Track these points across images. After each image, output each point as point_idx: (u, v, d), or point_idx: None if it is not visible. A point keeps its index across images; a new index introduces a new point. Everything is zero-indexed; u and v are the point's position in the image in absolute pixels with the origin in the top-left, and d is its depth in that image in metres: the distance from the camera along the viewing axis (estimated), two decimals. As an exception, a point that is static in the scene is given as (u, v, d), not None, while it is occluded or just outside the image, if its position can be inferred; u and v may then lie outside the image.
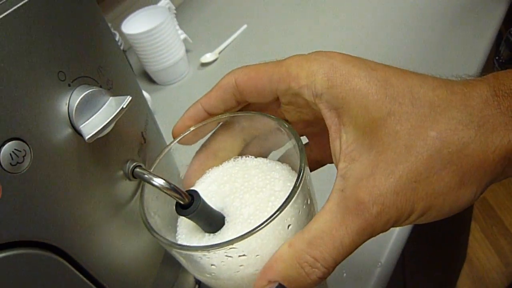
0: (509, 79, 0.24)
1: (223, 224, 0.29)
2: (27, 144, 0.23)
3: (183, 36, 0.91)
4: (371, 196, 0.23)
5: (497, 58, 0.32)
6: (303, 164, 0.27)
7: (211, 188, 0.32)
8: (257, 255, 0.26)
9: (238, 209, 0.29)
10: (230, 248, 0.25)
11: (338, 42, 0.85)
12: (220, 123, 0.33)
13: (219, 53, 0.93)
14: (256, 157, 0.34)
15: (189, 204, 0.29)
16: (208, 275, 0.28)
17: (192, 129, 0.32)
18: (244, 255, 0.26)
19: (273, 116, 0.30)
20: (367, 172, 0.24)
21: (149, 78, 0.92)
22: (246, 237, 0.24)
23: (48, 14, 0.24)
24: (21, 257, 0.23)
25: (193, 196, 0.29)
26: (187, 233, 0.31)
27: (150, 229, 0.28)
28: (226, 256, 0.26)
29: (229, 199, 0.30)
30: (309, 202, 0.28)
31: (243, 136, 0.33)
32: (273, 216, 0.25)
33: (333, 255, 0.24)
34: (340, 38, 0.86)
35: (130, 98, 0.26)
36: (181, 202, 0.29)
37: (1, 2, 0.22)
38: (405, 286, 0.78)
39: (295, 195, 0.25)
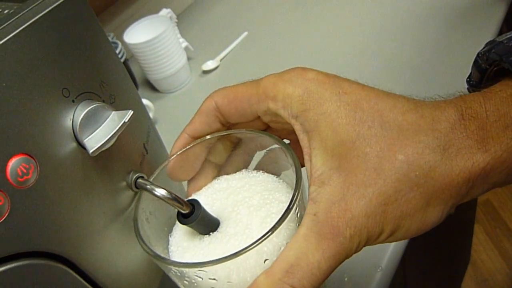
0: (475, 103, 0.25)
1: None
2: (34, 159, 0.24)
3: (184, 44, 0.92)
4: (344, 219, 0.24)
5: (468, 79, 0.32)
6: (294, 199, 0.26)
7: (215, 196, 0.33)
8: (229, 282, 0.26)
9: (232, 224, 0.30)
10: (199, 270, 0.25)
11: (339, 48, 0.86)
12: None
13: (221, 60, 0.94)
14: (264, 171, 0.34)
15: (190, 213, 0.30)
16: (182, 287, 0.28)
17: (179, 152, 0.32)
18: (214, 279, 0.26)
19: (271, 135, 0.31)
20: (338, 195, 0.24)
21: (151, 87, 0.93)
22: (216, 264, 0.24)
23: (51, 35, 0.25)
24: (29, 267, 0.24)
25: (194, 205, 0.30)
26: (181, 235, 0.31)
27: (137, 235, 0.28)
28: (196, 276, 0.26)
29: (227, 212, 0.31)
30: None
31: (231, 139, 0.34)
32: (248, 248, 0.24)
33: (311, 281, 0.24)
34: (340, 44, 0.87)
35: (132, 112, 0.27)
36: (182, 211, 0.30)
37: (4, 25, 0.23)
38: (407, 289, 0.78)
39: (274, 232, 0.25)
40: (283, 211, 0.26)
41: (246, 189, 0.32)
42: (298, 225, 0.27)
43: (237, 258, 0.24)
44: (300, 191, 0.27)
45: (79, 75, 0.27)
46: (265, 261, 0.26)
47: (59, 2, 0.25)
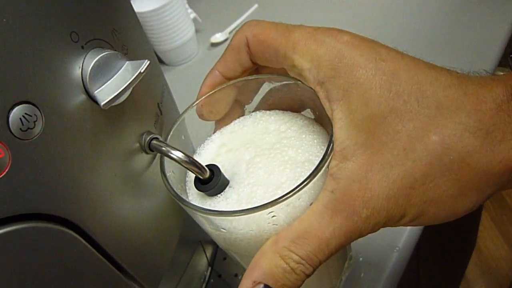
0: None
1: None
2: (38, 109, 0.21)
3: (192, 15, 0.89)
4: (362, 199, 0.22)
5: (511, 56, 0.29)
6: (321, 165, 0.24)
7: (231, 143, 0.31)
8: (251, 230, 0.25)
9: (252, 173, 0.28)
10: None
11: (351, 20, 0.83)
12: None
13: (230, 33, 0.90)
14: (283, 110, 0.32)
15: (209, 179, 0.27)
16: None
17: (210, 93, 0.30)
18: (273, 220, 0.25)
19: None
20: (360, 174, 0.23)
21: (158, 59, 0.90)
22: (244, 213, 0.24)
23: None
24: (32, 230, 0.21)
25: (213, 171, 0.27)
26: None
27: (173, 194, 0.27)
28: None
29: (245, 162, 0.29)
30: None
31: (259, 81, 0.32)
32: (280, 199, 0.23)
33: (318, 255, 0.23)
34: (354, 16, 0.84)
35: (148, 62, 0.24)
36: (200, 177, 0.27)
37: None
38: (418, 271, 0.77)
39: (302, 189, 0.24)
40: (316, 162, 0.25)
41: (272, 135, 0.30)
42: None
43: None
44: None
45: (89, 19, 0.24)
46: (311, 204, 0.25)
47: None
